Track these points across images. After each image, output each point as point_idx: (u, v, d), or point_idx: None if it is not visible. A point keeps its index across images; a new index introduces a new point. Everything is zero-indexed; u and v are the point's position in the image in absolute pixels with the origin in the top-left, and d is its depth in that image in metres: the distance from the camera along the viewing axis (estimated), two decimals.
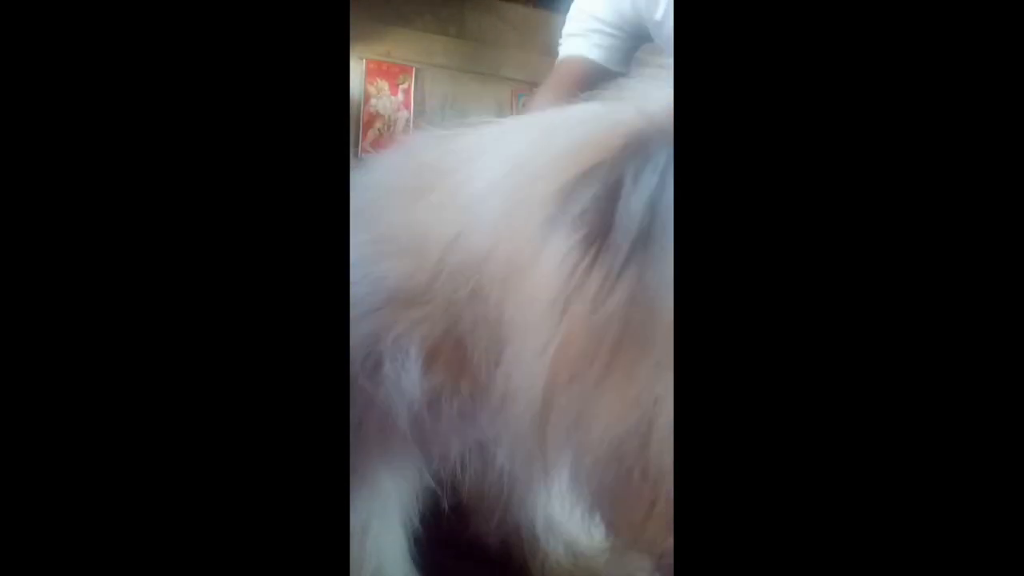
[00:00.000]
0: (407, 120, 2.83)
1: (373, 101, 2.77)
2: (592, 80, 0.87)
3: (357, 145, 2.72)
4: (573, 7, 0.99)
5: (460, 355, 0.41)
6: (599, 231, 0.33)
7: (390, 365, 0.42)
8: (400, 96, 2.82)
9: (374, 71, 2.78)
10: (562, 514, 0.56)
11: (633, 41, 0.95)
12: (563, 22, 1.00)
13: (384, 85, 2.79)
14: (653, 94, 0.36)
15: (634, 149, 0.33)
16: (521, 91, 3.00)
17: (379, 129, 2.79)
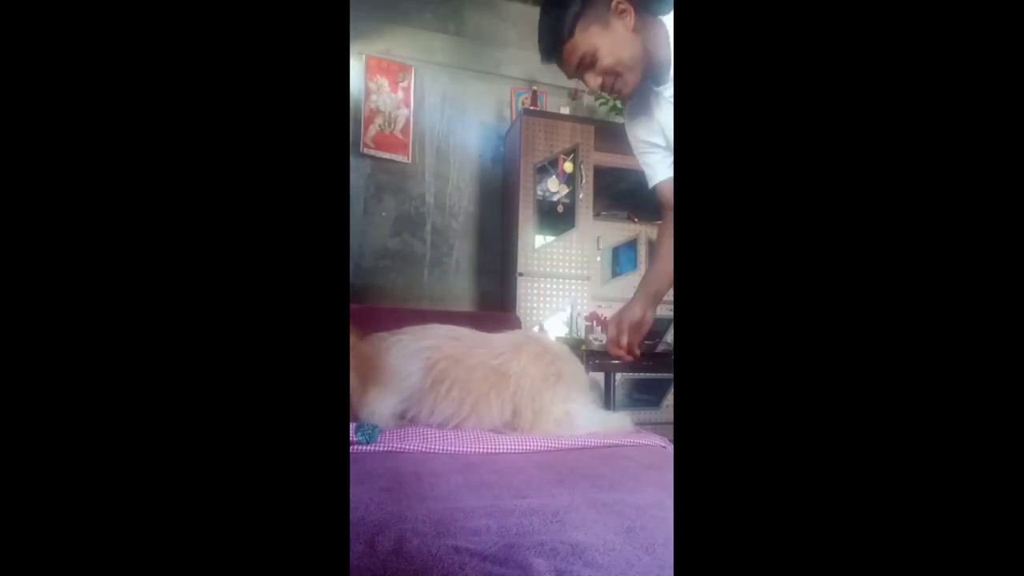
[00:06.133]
0: (407, 118, 2.83)
1: (373, 98, 2.77)
2: None
3: (358, 142, 2.72)
4: None
5: None
6: None
7: None
8: (400, 94, 2.82)
9: (374, 68, 2.78)
10: None
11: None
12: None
13: (384, 82, 2.79)
14: None
15: None
16: (520, 89, 2.99)
17: (380, 125, 2.78)
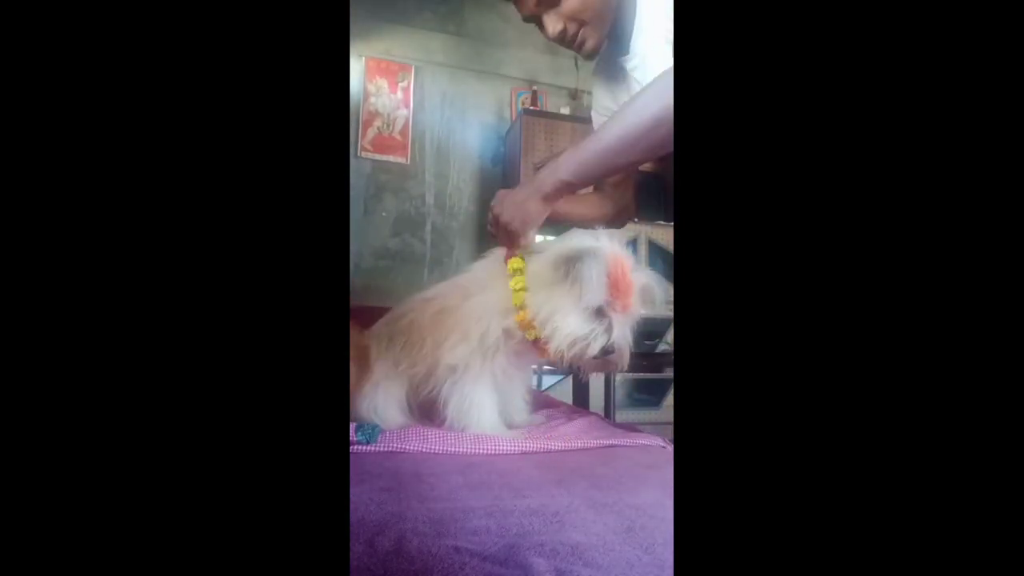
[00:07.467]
0: (406, 118, 2.83)
1: (372, 99, 2.77)
2: None
3: (357, 143, 2.72)
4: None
5: None
6: None
7: None
8: (399, 94, 2.82)
9: (373, 69, 2.78)
10: None
11: None
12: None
13: (383, 83, 2.79)
14: None
15: None
16: (520, 89, 2.99)
17: (379, 127, 2.78)
